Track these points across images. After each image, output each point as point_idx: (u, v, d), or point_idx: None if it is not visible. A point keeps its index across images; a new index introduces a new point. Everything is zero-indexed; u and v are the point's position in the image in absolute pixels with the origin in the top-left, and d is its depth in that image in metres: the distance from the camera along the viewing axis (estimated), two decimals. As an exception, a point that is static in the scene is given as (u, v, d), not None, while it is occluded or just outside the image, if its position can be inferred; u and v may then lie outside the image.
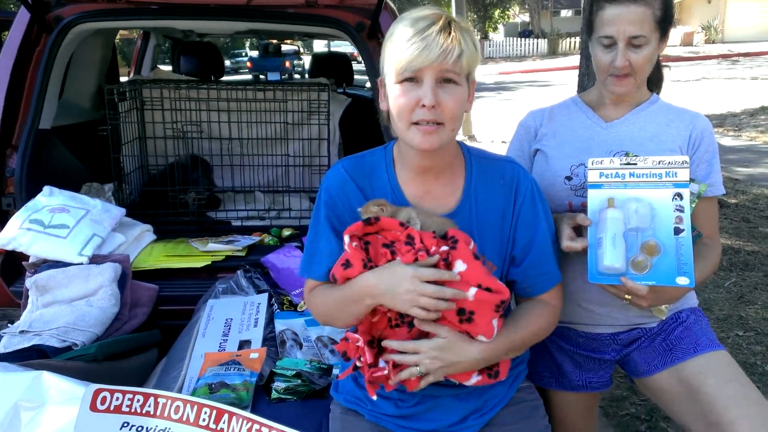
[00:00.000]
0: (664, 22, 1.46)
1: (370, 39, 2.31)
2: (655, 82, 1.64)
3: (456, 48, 1.15)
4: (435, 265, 1.15)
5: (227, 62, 34.55)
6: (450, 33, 1.15)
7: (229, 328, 1.84)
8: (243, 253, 2.22)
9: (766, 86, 13.13)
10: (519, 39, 32.26)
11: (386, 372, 1.23)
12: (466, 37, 1.18)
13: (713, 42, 27.99)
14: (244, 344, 1.76)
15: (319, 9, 2.36)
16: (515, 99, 14.18)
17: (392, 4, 2.38)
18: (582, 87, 4.07)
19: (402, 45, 1.16)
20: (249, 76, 21.54)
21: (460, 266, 1.15)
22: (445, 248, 1.17)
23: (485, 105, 13.18)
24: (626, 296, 1.36)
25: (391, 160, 1.34)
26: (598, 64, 1.51)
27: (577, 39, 28.64)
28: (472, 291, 1.14)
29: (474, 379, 1.25)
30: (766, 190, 5.84)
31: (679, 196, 1.32)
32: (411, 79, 1.17)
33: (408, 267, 1.14)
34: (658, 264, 1.31)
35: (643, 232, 1.34)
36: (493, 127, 10.13)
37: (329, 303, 1.28)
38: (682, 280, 1.28)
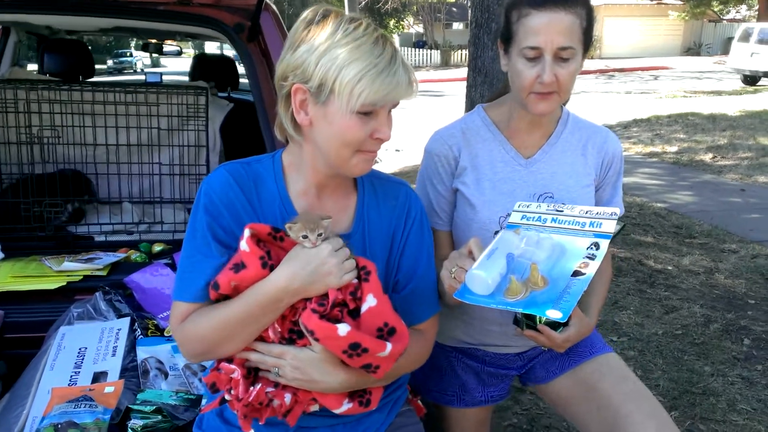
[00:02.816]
0: (588, 33, 1.34)
1: (251, 41, 2.18)
2: None
3: (415, 83, 1.14)
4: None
5: (110, 62, 32.53)
6: (402, 63, 1.11)
7: (83, 359, 1.65)
8: (104, 273, 1.98)
9: (638, 100, 14.03)
10: (414, 49, 32.90)
11: (259, 403, 1.13)
12: (407, 64, 1.14)
13: (591, 57, 29.96)
14: (99, 376, 1.59)
15: (193, 8, 2.18)
16: (408, 108, 14.38)
17: (273, 6, 2.26)
18: (470, 99, 4.08)
19: (371, 78, 1.07)
20: (137, 77, 20.56)
21: (371, 301, 1.09)
22: (356, 281, 1.11)
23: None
24: (545, 347, 1.38)
25: (280, 170, 1.23)
26: (520, 80, 1.33)
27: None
28: (388, 347, 1.07)
29: (345, 407, 1.17)
30: (637, 198, 6.13)
31: (596, 245, 1.19)
32: (369, 112, 1.10)
33: (320, 246, 1.08)
34: (536, 294, 1.12)
35: (538, 263, 1.17)
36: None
37: (218, 326, 1.10)
38: (553, 313, 1.07)
